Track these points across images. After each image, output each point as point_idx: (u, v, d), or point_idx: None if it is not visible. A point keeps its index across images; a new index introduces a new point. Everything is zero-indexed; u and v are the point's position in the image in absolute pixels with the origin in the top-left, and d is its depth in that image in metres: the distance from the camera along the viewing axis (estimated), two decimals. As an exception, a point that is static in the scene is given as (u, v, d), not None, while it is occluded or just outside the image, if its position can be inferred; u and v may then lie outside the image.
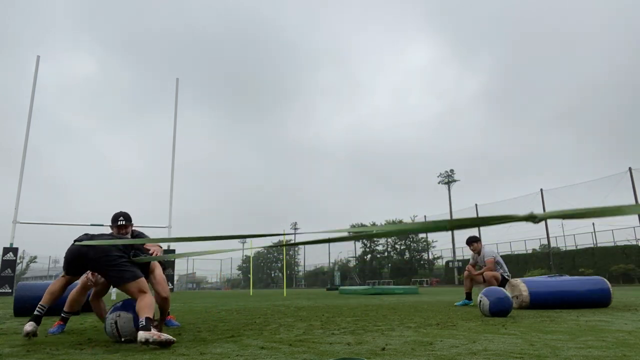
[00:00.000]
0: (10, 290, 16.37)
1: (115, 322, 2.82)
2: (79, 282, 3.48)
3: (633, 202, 26.02)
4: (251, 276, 23.78)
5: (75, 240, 3.00)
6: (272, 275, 63.40)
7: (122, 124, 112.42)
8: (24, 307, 5.12)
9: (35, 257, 53.64)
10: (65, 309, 3.47)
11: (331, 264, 53.65)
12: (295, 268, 59.16)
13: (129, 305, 2.89)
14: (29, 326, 2.78)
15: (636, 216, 25.90)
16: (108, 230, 3.55)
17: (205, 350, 2.38)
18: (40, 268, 55.82)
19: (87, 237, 3.06)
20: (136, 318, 2.77)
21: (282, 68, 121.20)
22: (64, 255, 3.02)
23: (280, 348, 2.42)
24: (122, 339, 2.80)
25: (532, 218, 1.23)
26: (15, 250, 17.49)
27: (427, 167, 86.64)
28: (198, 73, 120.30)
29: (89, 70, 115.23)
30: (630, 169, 26.88)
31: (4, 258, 17.06)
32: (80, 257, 2.93)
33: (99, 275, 3.34)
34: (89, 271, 3.32)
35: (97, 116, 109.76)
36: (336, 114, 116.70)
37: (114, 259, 2.88)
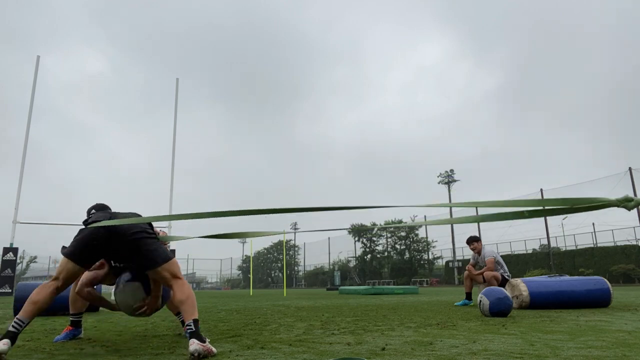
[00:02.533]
0: (10, 290, 16.37)
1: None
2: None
3: (633, 202, 26.00)
4: (251, 276, 23.80)
5: (87, 223, 2.44)
6: (272, 275, 63.42)
7: (127, 124, 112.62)
8: (24, 307, 5.12)
9: (35, 257, 53.74)
10: (71, 311, 2.97)
11: (331, 264, 53.63)
12: (295, 268, 59.17)
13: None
14: (2, 344, 2.12)
15: (636, 216, 25.90)
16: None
17: (205, 350, 2.37)
18: (40, 268, 55.81)
19: (107, 215, 2.51)
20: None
21: (291, 66, 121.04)
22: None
23: (280, 348, 2.42)
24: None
25: (627, 202, 1.16)
26: (15, 250, 17.50)
27: (430, 166, 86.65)
28: (204, 72, 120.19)
29: (96, 68, 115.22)
30: (630, 169, 26.87)
31: (4, 258, 17.06)
32: (107, 236, 2.38)
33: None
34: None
35: (102, 115, 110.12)
36: (343, 112, 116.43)
37: (149, 234, 2.47)
